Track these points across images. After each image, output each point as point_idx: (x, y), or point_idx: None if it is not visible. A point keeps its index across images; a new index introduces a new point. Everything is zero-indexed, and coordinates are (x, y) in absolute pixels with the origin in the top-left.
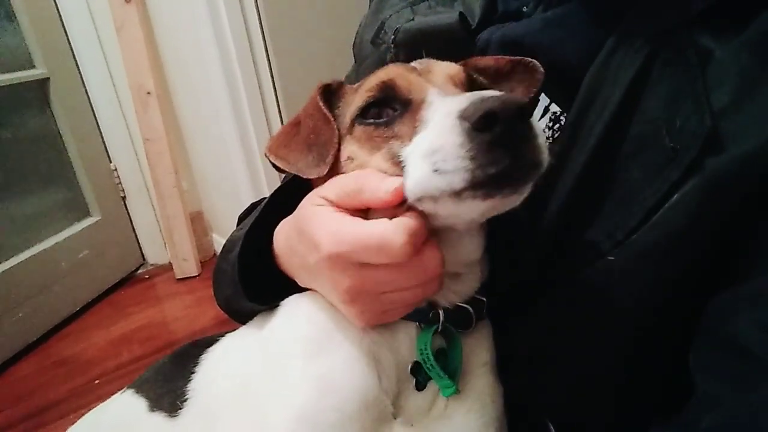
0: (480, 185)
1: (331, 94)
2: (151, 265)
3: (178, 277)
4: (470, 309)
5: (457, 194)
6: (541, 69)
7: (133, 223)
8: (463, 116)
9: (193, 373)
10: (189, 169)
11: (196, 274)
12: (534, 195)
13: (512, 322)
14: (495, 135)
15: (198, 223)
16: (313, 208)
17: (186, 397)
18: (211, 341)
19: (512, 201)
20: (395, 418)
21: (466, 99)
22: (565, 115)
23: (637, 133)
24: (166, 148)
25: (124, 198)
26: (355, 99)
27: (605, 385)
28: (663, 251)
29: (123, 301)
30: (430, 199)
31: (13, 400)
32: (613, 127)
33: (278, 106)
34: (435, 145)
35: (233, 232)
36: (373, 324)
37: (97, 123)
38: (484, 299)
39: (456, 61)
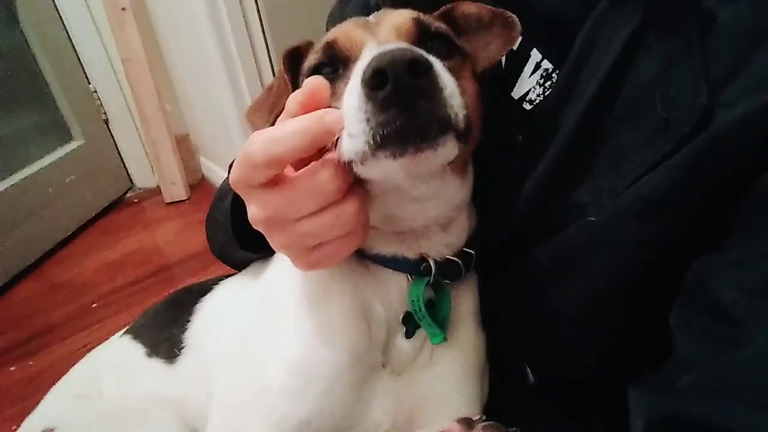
0: (382, 146)
1: (300, 55)
2: (139, 188)
3: (167, 202)
4: (460, 262)
5: (372, 155)
6: (519, 27)
7: (118, 147)
8: (361, 75)
9: (188, 321)
10: (172, 91)
11: (185, 198)
12: (525, 153)
13: (498, 275)
14: (385, 94)
15: (184, 146)
16: None
17: (183, 344)
18: (205, 289)
19: (429, 157)
20: (384, 367)
21: (370, 55)
22: (557, 72)
23: (629, 96)
24: (147, 69)
25: (107, 121)
26: (310, 57)
27: (585, 339)
28: (642, 215)
29: (113, 225)
30: (358, 163)
31: (14, 322)
32: (605, 88)
33: (260, 20)
34: (344, 110)
35: (224, 181)
36: (313, 269)
37: (71, 42)
38: (473, 252)
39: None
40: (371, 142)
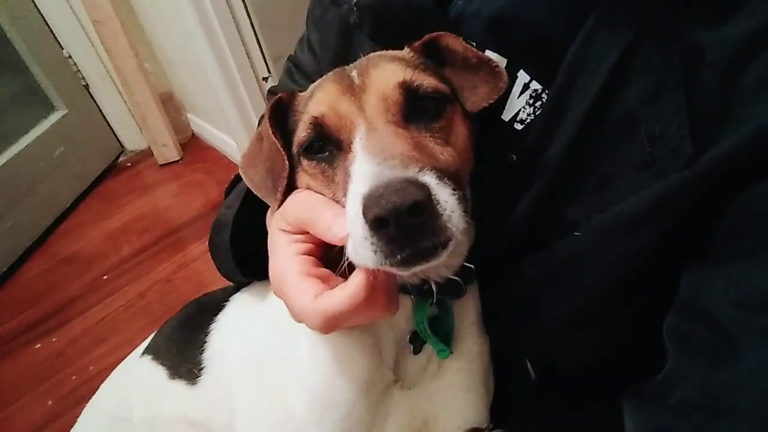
0: (391, 266)
1: (285, 106)
2: (131, 151)
3: (161, 163)
4: (461, 281)
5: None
6: (506, 77)
7: (103, 112)
8: (363, 211)
9: (204, 342)
10: (150, 49)
11: (178, 158)
12: (519, 171)
13: (496, 279)
14: (390, 233)
15: (170, 105)
16: (277, 236)
17: (202, 366)
18: (215, 306)
19: (433, 263)
20: (396, 383)
21: (368, 184)
22: (547, 92)
23: (616, 121)
24: (120, 30)
25: (87, 87)
26: (299, 127)
27: (577, 342)
28: (628, 230)
29: (111, 192)
30: None
31: (31, 300)
32: (593, 112)
33: None
34: (350, 228)
35: (222, 209)
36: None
37: (37, 8)
38: (472, 266)
39: (422, 35)
40: (380, 264)
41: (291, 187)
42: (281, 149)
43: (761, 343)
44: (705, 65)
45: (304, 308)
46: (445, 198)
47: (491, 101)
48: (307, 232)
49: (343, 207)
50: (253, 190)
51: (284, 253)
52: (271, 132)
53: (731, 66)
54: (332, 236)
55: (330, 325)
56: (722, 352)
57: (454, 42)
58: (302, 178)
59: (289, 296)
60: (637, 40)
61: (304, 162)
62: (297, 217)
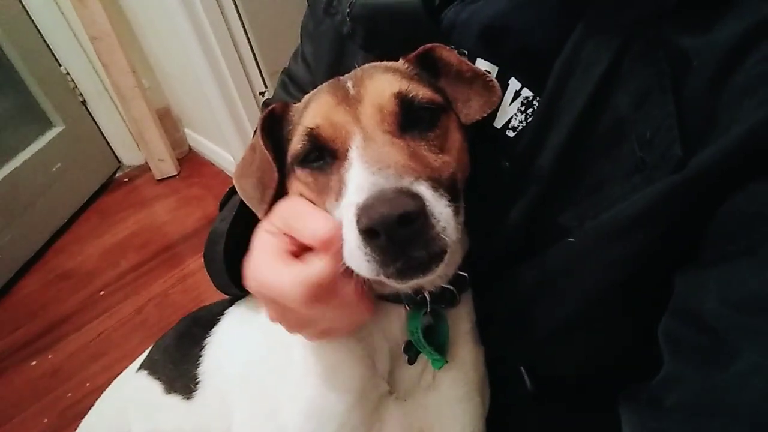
0: (386, 278)
1: (278, 117)
2: (128, 167)
3: (158, 178)
4: (454, 290)
5: (378, 278)
6: (499, 91)
7: (100, 128)
8: (356, 221)
9: (200, 357)
10: (148, 65)
11: (176, 173)
12: (512, 178)
13: (491, 285)
14: (381, 243)
15: (167, 120)
16: (261, 235)
17: (197, 380)
18: (211, 320)
19: (430, 277)
20: (390, 394)
21: (363, 194)
22: (538, 99)
23: (606, 127)
24: (117, 46)
25: (84, 102)
26: (294, 138)
27: (574, 347)
28: (620, 235)
29: (108, 208)
30: None
31: (27, 316)
32: (583, 119)
33: None
34: (345, 235)
35: (216, 222)
36: (317, 340)
37: (34, 24)
38: (466, 275)
39: (417, 46)
40: (374, 274)
41: (283, 195)
42: (272, 161)
43: (755, 344)
44: (693, 70)
45: (283, 283)
46: (440, 210)
47: (484, 114)
48: (292, 237)
49: (335, 212)
50: (244, 200)
51: (263, 244)
52: (262, 143)
53: (718, 70)
54: (310, 238)
55: (314, 295)
56: (717, 355)
57: (448, 54)
58: (294, 186)
59: (266, 277)
60: (625, 47)
61: (298, 171)
62: (282, 218)
